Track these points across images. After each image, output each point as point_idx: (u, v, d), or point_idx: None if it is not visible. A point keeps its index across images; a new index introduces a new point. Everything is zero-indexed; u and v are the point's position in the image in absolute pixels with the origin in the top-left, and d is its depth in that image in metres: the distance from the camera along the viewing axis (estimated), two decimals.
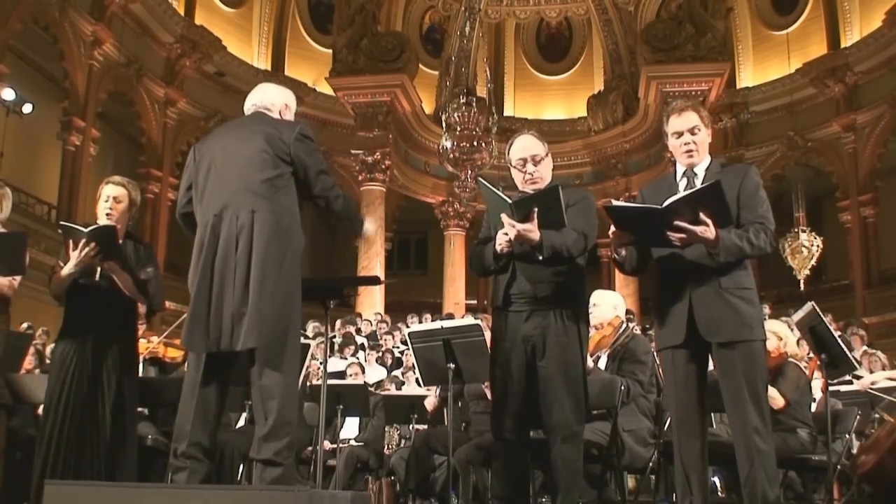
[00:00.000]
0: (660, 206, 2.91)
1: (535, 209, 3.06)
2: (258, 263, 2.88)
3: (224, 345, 2.88)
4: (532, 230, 3.06)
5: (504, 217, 3.10)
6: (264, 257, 2.89)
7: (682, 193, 3.00)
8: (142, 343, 5.19)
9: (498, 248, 3.19)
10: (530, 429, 3.40)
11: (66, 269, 3.59)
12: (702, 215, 2.86)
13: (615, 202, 3.10)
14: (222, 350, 2.89)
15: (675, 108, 3.22)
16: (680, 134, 3.16)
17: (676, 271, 3.07)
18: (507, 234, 3.13)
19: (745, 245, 2.94)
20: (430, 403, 5.73)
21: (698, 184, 3.10)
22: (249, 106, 3.25)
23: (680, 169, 3.22)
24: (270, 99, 3.24)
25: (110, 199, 3.74)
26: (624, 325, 4.44)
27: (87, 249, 3.50)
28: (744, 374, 2.95)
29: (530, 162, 3.34)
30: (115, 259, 3.63)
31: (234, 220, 2.93)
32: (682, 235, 2.89)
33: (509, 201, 3.10)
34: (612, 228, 3.03)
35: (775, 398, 4.25)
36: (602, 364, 4.42)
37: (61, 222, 4.09)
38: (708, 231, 2.87)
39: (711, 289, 3.00)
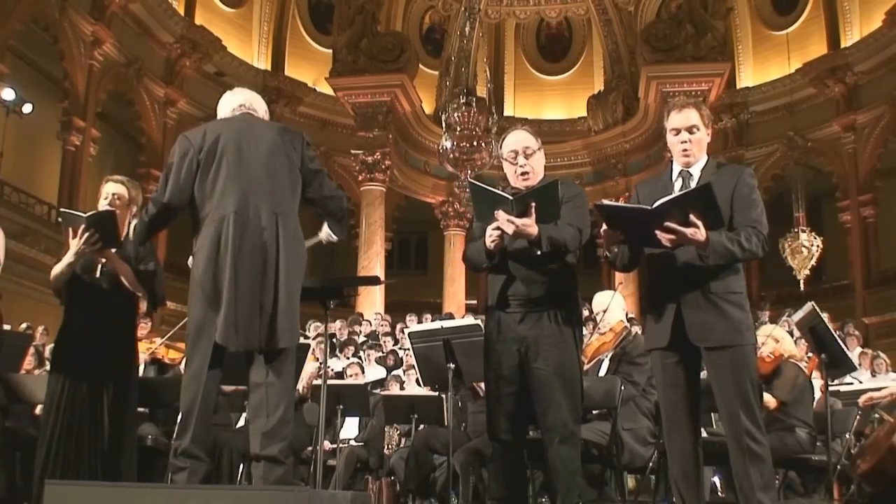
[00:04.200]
0: (649, 207, 2.87)
1: (534, 204, 3.06)
2: (288, 265, 2.98)
3: (269, 343, 2.93)
4: (530, 224, 3.05)
5: (500, 213, 3.09)
6: (292, 259, 3.00)
7: (672, 195, 2.94)
8: (144, 344, 5.19)
9: (489, 243, 3.16)
10: (527, 429, 3.40)
11: (67, 258, 3.54)
12: (692, 217, 2.82)
13: (605, 202, 3.08)
14: (268, 348, 2.94)
15: (676, 104, 3.16)
16: (678, 131, 3.10)
17: (666, 272, 3.03)
18: (497, 229, 3.11)
19: (735, 249, 2.89)
20: None
21: (693, 184, 3.05)
22: (236, 105, 3.26)
23: (676, 168, 3.16)
24: (260, 104, 3.33)
25: (110, 196, 3.73)
26: (627, 330, 4.43)
27: (86, 236, 3.46)
28: (733, 378, 2.91)
29: (521, 154, 3.33)
30: (115, 247, 3.58)
31: (257, 220, 2.98)
32: (672, 236, 2.85)
33: (510, 198, 3.10)
34: (604, 227, 3.00)
35: (768, 402, 4.26)
36: (604, 367, 4.43)
37: (62, 209, 4.03)
38: (698, 233, 2.83)
39: (700, 293, 2.96)
